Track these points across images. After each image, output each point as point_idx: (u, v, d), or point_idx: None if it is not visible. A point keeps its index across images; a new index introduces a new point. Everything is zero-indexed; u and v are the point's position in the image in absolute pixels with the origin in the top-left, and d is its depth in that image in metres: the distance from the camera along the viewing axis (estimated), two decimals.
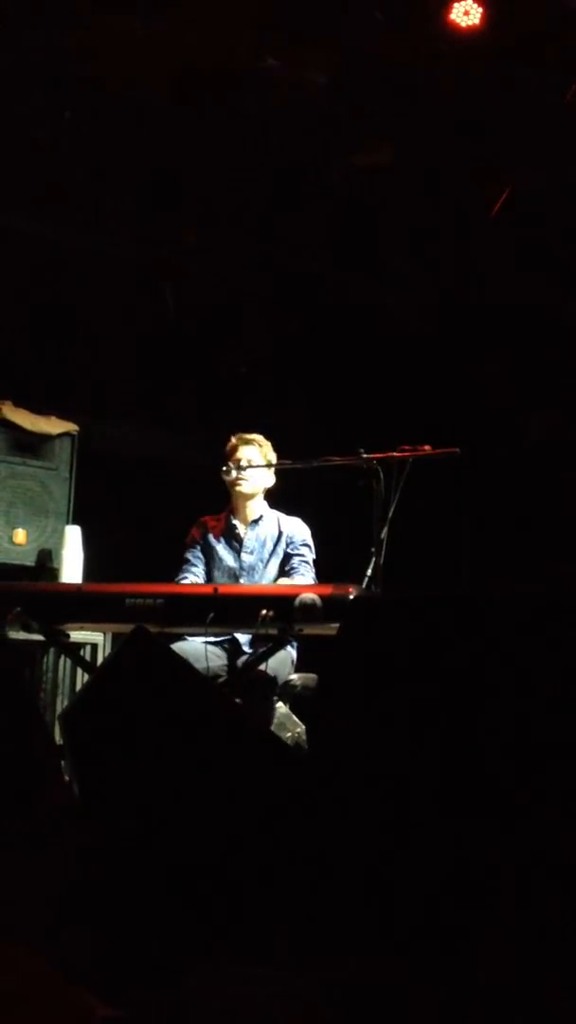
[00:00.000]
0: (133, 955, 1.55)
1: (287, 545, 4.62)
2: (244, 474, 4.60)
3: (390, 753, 1.46)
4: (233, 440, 4.70)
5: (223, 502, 4.79)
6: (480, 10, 5.40)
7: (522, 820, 1.50)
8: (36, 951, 0.86)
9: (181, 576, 4.61)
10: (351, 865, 1.60)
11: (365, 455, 4.13)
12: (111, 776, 1.69)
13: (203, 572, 4.65)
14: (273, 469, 4.68)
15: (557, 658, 1.54)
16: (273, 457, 4.68)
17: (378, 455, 4.13)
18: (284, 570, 4.57)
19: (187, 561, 4.66)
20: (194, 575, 4.62)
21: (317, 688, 3.89)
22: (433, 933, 1.57)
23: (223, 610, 3.82)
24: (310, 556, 4.62)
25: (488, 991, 1.56)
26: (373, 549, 4.03)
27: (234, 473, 4.58)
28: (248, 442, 4.66)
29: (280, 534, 4.65)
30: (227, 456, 4.66)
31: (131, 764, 1.79)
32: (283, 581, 4.47)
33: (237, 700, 4.01)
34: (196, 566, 4.65)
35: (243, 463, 4.60)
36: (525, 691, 1.52)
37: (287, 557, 4.60)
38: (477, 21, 5.42)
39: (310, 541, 4.66)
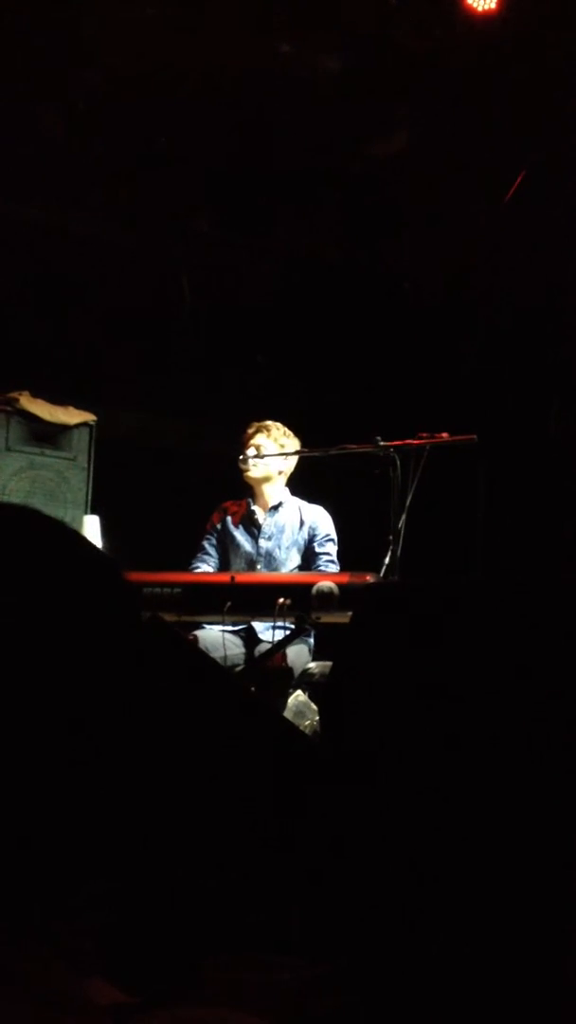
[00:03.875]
0: (145, 942, 1.56)
1: (310, 538, 4.61)
2: (252, 460, 4.61)
3: (401, 741, 1.46)
4: (251, 429, 4.71)
5: (242, 490, 4.80)
6: None
7: (536, 811, 1.50)
8: (40, 938, 0.86)
9: (194, 565, 4.63)
10: (365, 852, 1.61)
11: (382, 443, 4.13)
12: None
13: (217, 561, 4.66)
14: (284, 456, 4.68)
15: (569, 648, 1.54)
16: (288, 442, 4.67)
17: (395, 443, 4.12)
18: (309, 568, 4.56)
19: (202, 549, 4.68)
20: (205, 564, 4.63)
21: (328, 677, 3.90)
22: (447, 923, 1.57)
23: (240, 598, 3.83)
24: (335, 551, 4.61)
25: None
26: (391, 537, 4.02)
27: (247, 461, 4.59)
28: (259, 429, 4.67)
29: (302, 522, 4.64)
30: (243, 444, 4.67)
31: (148, 755, 1.80)
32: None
33: (253, 689, 4.03)
34: (210, 554, 4.67)
35: (251, 451, 4.62)
36: (536, 681, 1.52)
37: (311, 551, 4.59)
38: (493, 5, 5.38)
39: (334, 534, 4.65)
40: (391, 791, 1.48)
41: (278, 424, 4.71)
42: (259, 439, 4.65)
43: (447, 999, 1.49)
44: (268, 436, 4.65)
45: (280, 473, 4.71)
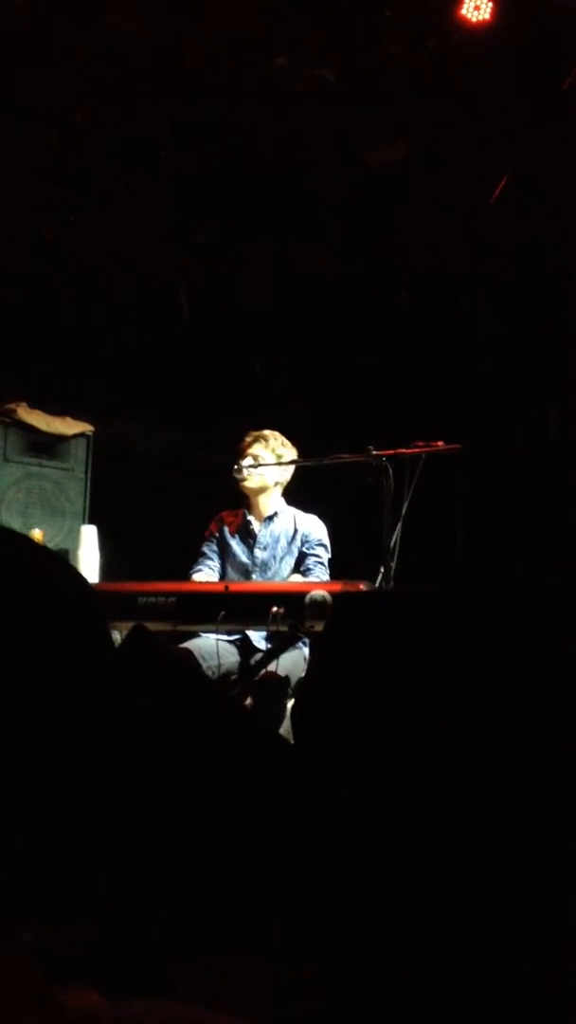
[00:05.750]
0: (127, 947, 1.57)
1: (303, 544, 4.62)
2: (248, 470, 4.61)
3: (370, 745, 1.48)
4: (248, 438, 4.71)
5: (238, 500, 4.81)
6: (490, 5, 5.39)
7: (521, 815, 1.51)
8: (16, 946, 0.87)
9: (195, 569, 4.64)
10: (343, 857, 1.62)
11: (375, 452, 4.13)
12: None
13: (218, 566, 4.67)
14: (280, 465, 4.68)
15: (547, 654, 1.55)
16: (285, 452, 4.67)
17: (388, 452, 4.13)
18: (299, 570, 4.57)
19: (203, 554, 4.69)
20: (207, 568, 4.64)
21: (299, 685, 3.92)
22: (435, 926, 1.58)
23: (234, 607, 3.83)
24: (325, 556, 4.61)
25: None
26: (392, 545, 4.02)
27: (242, 471, 4.59)
28: (256, 439, 4.67)
29: (296, 531, 4.65)
30: (240, 453, 4.68)
31: (128, 763, 1.81)
32: (296, 578, 4.48)
33: (248, 698, 4.03)
34: (211, 559, 4.67)
35: (250, 460, 4.62)
36: (513, 688, 1.53)
37: (302, 556, 4.60)
38: (487, 16, 5.41)
39: (326, 540, 4.66)
40: (364, 795, 1.49)
41: (276, 434, 4.71)
42: (256, 449, 4.65)
43: (429, 1003, 1.50)
44: (265, 446, 4.65)
45: (276, 484, 4.71)
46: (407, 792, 1.50)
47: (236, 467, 4.60)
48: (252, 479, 4.63)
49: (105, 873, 1.54)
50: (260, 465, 4.61)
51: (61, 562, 0.91)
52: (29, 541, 0.92)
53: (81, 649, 0.87)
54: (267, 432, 4.69)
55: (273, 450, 4.64)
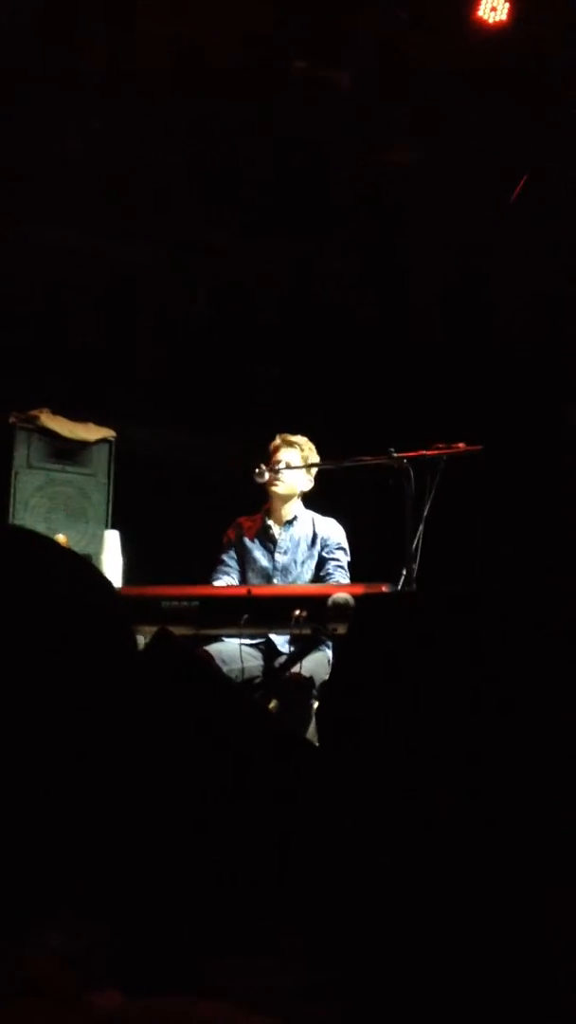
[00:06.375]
0: (147, 948, 1.59)
1: (322, 548, 4.62)
2: (280, 476, 4.60)
3: (395, 748, 1.48)
4: (276, 440, 4.70)
5: (258, 505, 4.81)
6: (507, 6, 5.38)
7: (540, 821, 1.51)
8: (42, 947, 0.88)
9: (215, 577, 4.64)
10: (363, 860, 1.63)
11: (396, 454, 4.13)
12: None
13: (237, 574, 4.68)
14: (312, 473, 4.68)
15: (570, 656, 1.56)
16: (313, 459, 4.66)
17: (409, 454, 4.13)
18: (319, 574, 4.57)
19: (222, 562, 4.69)
20: (227, 576, 4.64)
21: (323, 687, 3.92)
22: (450, 932, 1.59)
23: (257, 611, 3.85)
24: (345, 559, 4.61)
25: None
26: (413, 548, 4.01)
27: (267, 475, 4.58)
28: (290, 444, 4.65)
29: (315, 535, 4.65)
30: (268, 456, 4.67)
31: (151, 765, 1.82)
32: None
33: (273, 701, 4.04)
34: (230, 567, 4.67)
35: (281, 464, 4.61)
36: (536, 690, 1.54)
37: (322, 560, 4.60)
38: (504, 17, 5.40)
39: (345, 544, 4.65)
40: (388, 797, 1.50)
41: (306, 440, 4.69)
42: (287, 454, 4.63)
43: (446, 1007, 1.51)
44: (300, 453, 4.63)
45: (302, 492, 4.71)
46: (430, 796, 1.51)
47: (258, 471, 4.57)
48: (282, 485, 4.62)
49: (132, 873, 1.56)
50: (294, 467, 4.59)
51: (86, 564, 0.92)
52: (54, 543, 0.93)
53: (106, 650, 0.89)
54: (298, 438, 4.68)
55: (305, 458, 4.63)
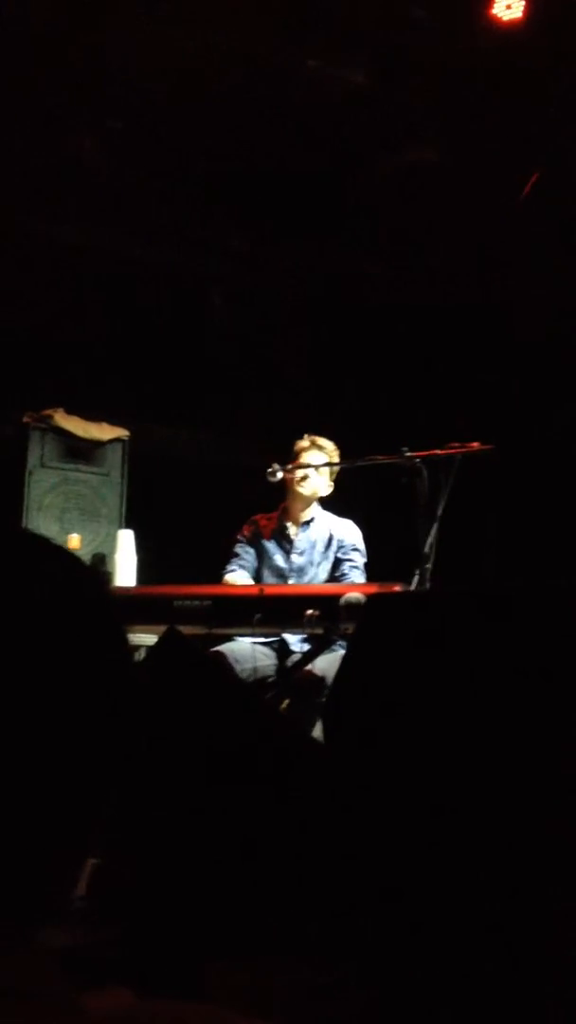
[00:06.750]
0: (159, 947, 1.58)
1: (337, 549, 4.60)
2: (307, 477, 4.57)
3: (403, 750, 1.47)
4: (305, 442, 4.66)
5: (273, 504, 4.80)
6: (522, 4, 5.35)
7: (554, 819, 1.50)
8: (37, 947, 0.87)
9: (228, 569, 4.62)
10: (376, 859, 1.62)
11: (409, 453, 4.11)
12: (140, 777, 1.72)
13: (251, 566, 4.66)
14: (332, 477, 4.66)
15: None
16: (335, 460, 4.63)
17: (422, 453, 4.11)
18: (334, 575, 4.55)
19: (235, 555, 4.68)
20: (241, 568, 4.62)
21: (332, 685, 3.90)
22: (463, 930, 1.58)
23: (269, 610, 3.84)
24: (360, 560, 4.59)
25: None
26: (427, 549, 3.99)
27: (280, 474, 4.55)
28: (319, 447, 4.62)
29: (331, 537, 4.63)
30: (294, 456, 4.64)
31: (162, 766, 1.82)
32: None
33: (285, 701, 4.03)
34: (244, 559, 4.66)
35: (311, 468, 4.57)
36: (547, 687, 1.52)
37: (337, 561, 4.59)
38: (519, 15, 5.37)
39: (361, 545, 4.64)
40: (394, 794, 1.49)
41: (332, 444, 4.66)
42: (315, 457, 4.60)
43: (452, 1007, 1.49)
44: (326, 456, 4.61)
45: (322, 495, 4.70)
46: (439, 791, 1.50)
47: (270, 470, 4.54)
48: (307, 486, 4.60)
49: (138, 874, 1.55)
50: (311, 466, 4.56)
51: (73, 561, 0.90)
52: (39, 539, 0.91)
53: (93, 650, 0.87)
54: (326, 442, 4.64)
55: (331, 460, 4.60)
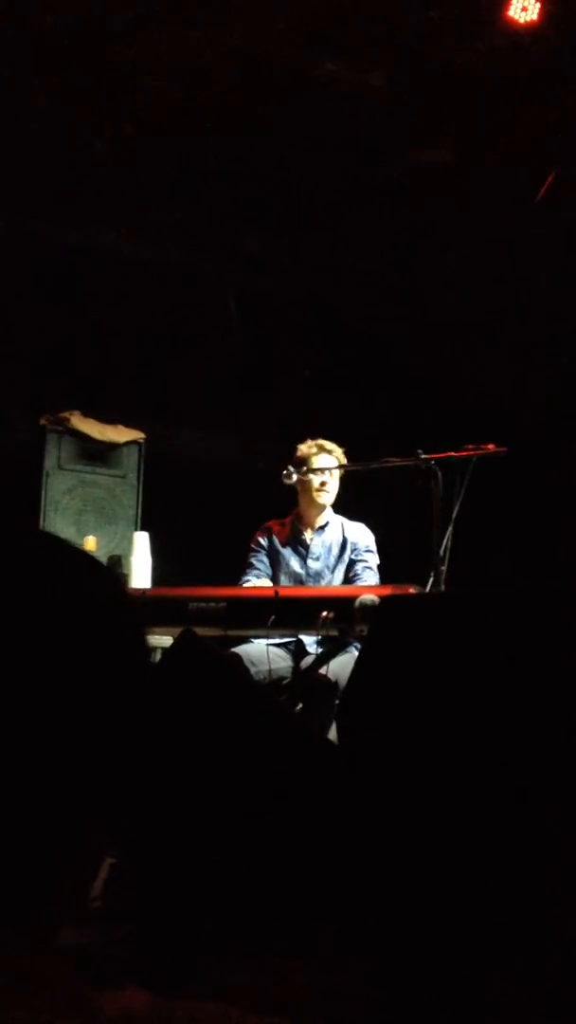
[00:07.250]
0: (171, 947, 1.59)
1: (352, 551, 4.59)
2: (328, 485, 4.55)
3: (417, 751, 1.48)
4: (312, 448, 4.62)
5: (287, 507, 4.78)
6: (538, 5, 5.34)
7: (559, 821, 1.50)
8: (50, 945, 0.88)
9: (245, 579, 4.62)
10: (387, 860, 1.62)
11: (423, 455, 4.10)
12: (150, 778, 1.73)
13: (267, 574, 4.65)
14: (339, 478, 4.65)
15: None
16: (344, 462, 4.62)
17: (437, 455, 4.10)
18: (348, 577, 4.55)
19: (251, 565, 4.66)
20: (258, 578, 4.62)
21: (345, 687, 3.90)
22: (472, 931, 1.58)
23: (284, 612, 3.84)
24: (374, 561, 4.57)
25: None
26: (441, 552, 3.97)
27: (315, 481, 4.51)
28: (328, 452, 4.58)
29: (345, 540, 4.62)
30: (301, 460, 4.59)
31: (177, 767, 1.82)
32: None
33: (298, 703, 4.04)
34: (260, 569, 4.65)
35: (326, 474, 4.54)
36: (561, 689, 1.53)
37: (351, 563, 4.58)
38: (535, 17, 5.37)
39: (374, 547, 4.62)
40: (405, 795, 1.50)
41: (335, 444, 4.64)
42: (326, 460, 4.57)
43: (456, 1007, 1.50)
44: (336, 459, 4.58)
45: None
46: (451, 792, 1.51)
47: (285, 473, 4.52)
48: (328, 495, 4.57)
49: (151, 873, 1.56)
50: (329, 468, 4.55)
51: (91, 562, 0.91)
52: (58, 540, 0.92)
53: (113, 652, 0.88)
54: (333, 445, 4.61)
55: (341, 463, 4.59)
